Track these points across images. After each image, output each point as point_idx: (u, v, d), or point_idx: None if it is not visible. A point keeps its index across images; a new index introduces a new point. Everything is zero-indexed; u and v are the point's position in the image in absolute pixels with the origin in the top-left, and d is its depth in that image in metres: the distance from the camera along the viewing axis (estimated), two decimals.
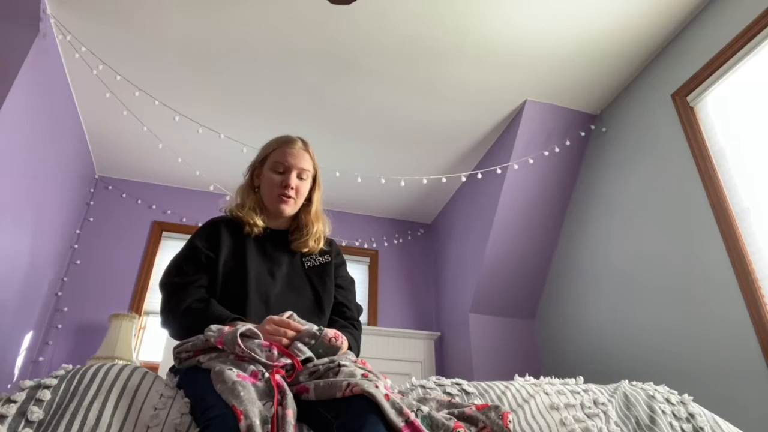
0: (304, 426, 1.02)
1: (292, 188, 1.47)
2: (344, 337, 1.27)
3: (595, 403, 1.32)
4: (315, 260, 1.52)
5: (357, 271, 4.16)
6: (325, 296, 1.47)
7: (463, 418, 1.02)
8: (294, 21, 2.63)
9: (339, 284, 1.54)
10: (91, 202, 3.76)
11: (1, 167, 2.42)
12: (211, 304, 1.30)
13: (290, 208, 1.49)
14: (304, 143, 1.55)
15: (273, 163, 1.50)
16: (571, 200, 3.39)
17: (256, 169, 1.56)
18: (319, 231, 1.53)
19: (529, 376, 1.46)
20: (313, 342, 1.19)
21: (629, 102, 3.01)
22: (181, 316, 1.29)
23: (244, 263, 1.40)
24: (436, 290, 4.21)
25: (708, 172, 2.38)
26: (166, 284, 1.38)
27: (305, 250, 1.50)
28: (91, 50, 2.72)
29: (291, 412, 0.93)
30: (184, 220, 3.91)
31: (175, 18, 2.61)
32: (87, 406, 0.98)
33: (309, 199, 1.55)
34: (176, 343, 1.26)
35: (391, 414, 0.91)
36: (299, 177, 1.50)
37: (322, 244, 1.54)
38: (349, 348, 1.35)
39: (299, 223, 1.53)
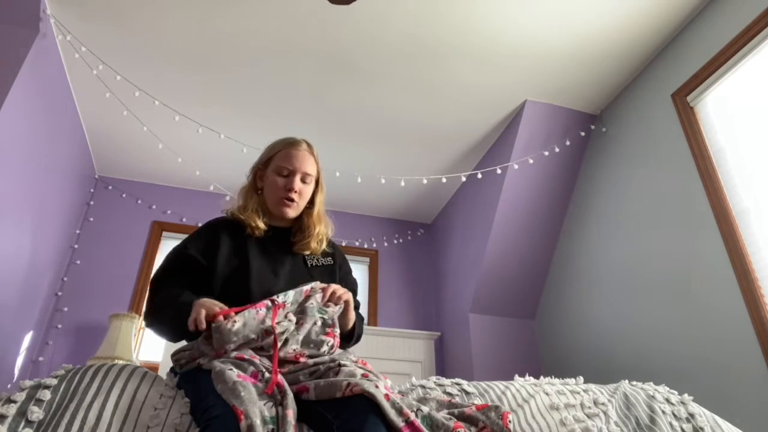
0: (304, 426, 1.02)
1: (296, 192, 1.45)
2: (347, 294, 1.35)
3: (595, 403, 1.32)
4: (318, 261, 1.50)
5: (357, 271, 4.16)
6: None
7: (463, 418, 1.02)
8: (294, 21, 2.63)
9: (343, 279, 1.54)
10: (91, 202, 3.76)
11: (1, 167, 2.42)
12: (184, 293, 1.29)
13: (293, 212, 1.48)
14: (309, 146, 1.53)
15: (277, 166, 1.48)
16: (571, 200, 3.39)
17: (259, 170, 1.54)
18: (322, 233, 1.51)
19: (529, 376, 1.46)
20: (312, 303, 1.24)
21: (629, 102, 3.01)
22: (156, 307, 1.32)
23: (246, 261, 1.38)
24: (436, 290, 4.21)
25: (708, 172, 2.38)
26: (152, 281, 1.40)
27: (307, 252, 1.48)
28: (91, 50, 2.72)
29: (291, 413, 0.93)
30: (184, 220, 3.91)
31: (176, 18, 2.61)
32: (87, 406, 0.98)
33: (311, 202, 1.54)
34: (177, 347, 1.27)
35: (391, 414, 0.91)
36: (303, 180, 1.48)
37: (324, 246, 1.52)
38: (351, 333, 1.41)
39: (302, 224, 1.51)
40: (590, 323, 2.98)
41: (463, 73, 2.95)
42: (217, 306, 1.18)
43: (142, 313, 1.39)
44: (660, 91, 2.75)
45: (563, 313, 3.25)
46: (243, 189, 1.55)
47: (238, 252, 1.41)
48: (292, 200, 1.46)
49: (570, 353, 3.12)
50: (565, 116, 3.24)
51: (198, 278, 1.36)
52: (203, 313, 1.15)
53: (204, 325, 1.13)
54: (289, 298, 1.24)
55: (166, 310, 1.28)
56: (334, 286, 1.33)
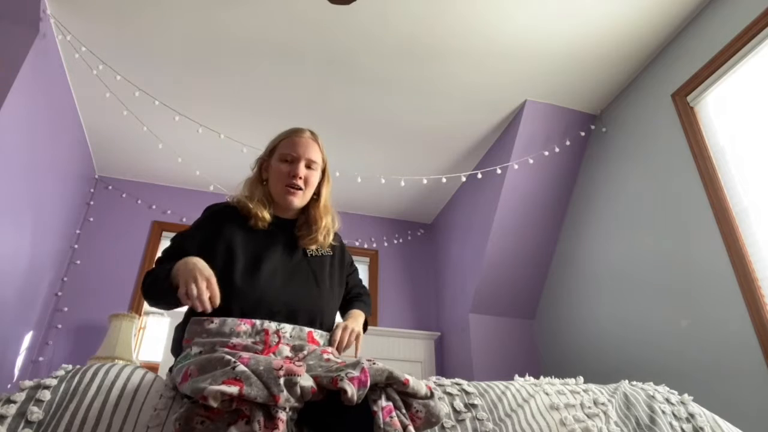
0: (304, 426, 1.02)
1: (300, 178, 1.42)
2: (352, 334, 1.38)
3: (595, 403, 1.32)
4: (318, 251, 1.46)
5: None
6: (323, 286, 1.40)
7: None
8: (294, 21, 2.63)
9: (351, 276, 1.61)
10: (91, 202, 3.76)
11: (1, 167, 2.42)
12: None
13: (299, 200, 1.44)
14: (313, 134, 1.53)
15: (281, 154, 1.45)
16: (571, 200, 3.39)
17: (264, 162, 1.51)
18: (328, 225, 1.48)
19: (529, 376, 1.46)
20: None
21: (629, 102, 3.00)
22: (147, 288, 1.28)
23: (247, 256, 1.34)
24: (436, 290, 4.21)
25: (708, 172, 2.38)
26: (146, 273, 1.35)
27: (314, 246, 1.44)
28: (91, 50, 2.72)
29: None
30: (184, 220, 3.91)
31: (176, 18, 2.61)
32: (87, 406, 0.98)
33: (318, 193, 1.50)
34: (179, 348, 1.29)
35: None
36: (308, 167, 1.45)
37: (330, 239, 1.49)
38: (365, 323, 1.51)
39: (308, 217, 1.48)
40: (590, 323, 2.98)
41: (463, 73, 2.95)
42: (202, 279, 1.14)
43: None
44: (660, 91, 2.75)
45: (563, 313, 3.25)
46: (248, 180, 1.52)
47: (238, 244, 1.35)
48: (298, 187, 1.42)
49: (570, 353, 3.12)
50: (565, 116, 3.24)
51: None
52: (193, 289, 1.11)
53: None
54: (286, 333, 1.24)
55: (155, 286, 1.25)
56: (343, 341, 1.35)
